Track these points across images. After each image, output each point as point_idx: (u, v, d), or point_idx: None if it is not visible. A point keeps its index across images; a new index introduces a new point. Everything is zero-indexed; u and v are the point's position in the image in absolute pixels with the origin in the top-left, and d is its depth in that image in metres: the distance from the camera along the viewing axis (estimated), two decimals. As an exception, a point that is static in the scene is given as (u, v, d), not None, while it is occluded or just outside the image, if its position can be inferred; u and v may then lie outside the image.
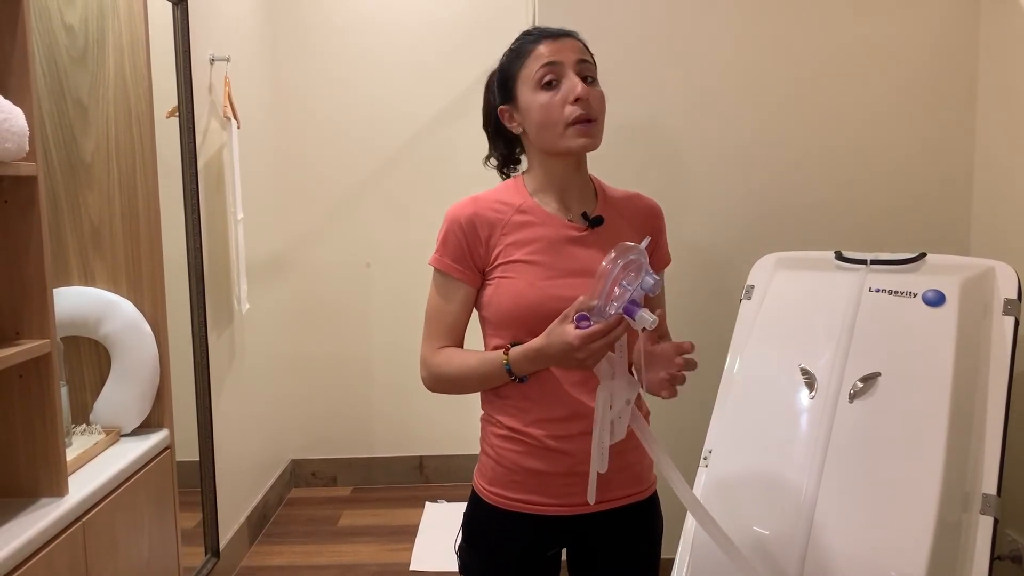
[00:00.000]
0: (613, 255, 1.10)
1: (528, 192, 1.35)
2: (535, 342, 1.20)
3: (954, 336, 1.73)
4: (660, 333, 1.43)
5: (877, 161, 2.42)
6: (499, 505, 1.33)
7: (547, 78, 1.27)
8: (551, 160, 1.33)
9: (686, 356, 1.17)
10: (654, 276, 1.11)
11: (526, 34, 1.33)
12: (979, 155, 2.41)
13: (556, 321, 1.16)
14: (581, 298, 1.13)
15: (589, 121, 1.26)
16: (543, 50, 1.28)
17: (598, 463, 1.22)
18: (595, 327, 1.11)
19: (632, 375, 1.22)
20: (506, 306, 1.28)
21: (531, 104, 1.29)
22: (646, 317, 1.09)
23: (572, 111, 1.26)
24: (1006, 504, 1.71)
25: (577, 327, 1.12)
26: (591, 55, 1.33)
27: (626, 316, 1.11)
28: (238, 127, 2.85)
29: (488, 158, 1.46)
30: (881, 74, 2.40)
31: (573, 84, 1.26)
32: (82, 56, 1.83)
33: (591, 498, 1.25)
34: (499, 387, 1.32)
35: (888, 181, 2.43)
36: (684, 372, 1.18)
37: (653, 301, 1.35)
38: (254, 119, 3.18)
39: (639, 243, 1.35)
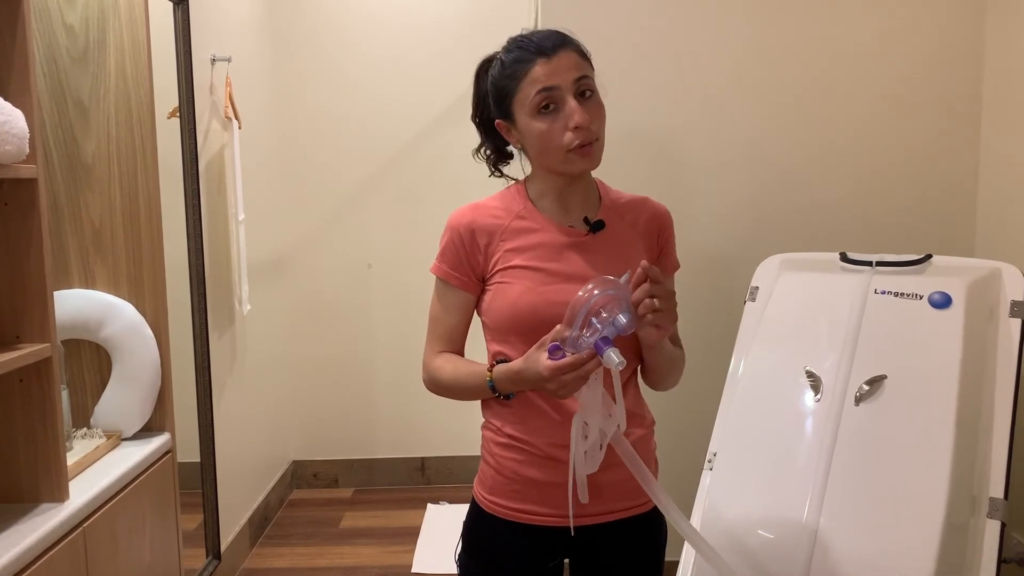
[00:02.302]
0: (590, 286, 1.08)
1: (529, 198, 1.33)
2: (515, 364, 1.19)
3: (961, 338, 1.72)
4: (670, 338, 1.42)
5: (882, 162, 2.41)
6: (499, 515, 1.32)
7: (544, 103, 1.23)
8: (553, 174, 1.30)
9: (648, 286, 1.09)
10: (628, 315, 1.08)
11: (519, 47, 1.25)
12: (984, 156, 2.40)
13: (534, 347, 1.14)
14: (557, 327, 1.11)
15: (590, 143, 1.23)
16: (539, 73, 1.22)
17: (580, 493, 1.21)
18: (565, 360, 1.09)
19: (612, 405, 1.17)
20: (504, 312, 1.27)
21: (529, 129, 1.25)
22: (613, 358, 1.05)
23: (572, 138, 1.22)
24: (1013, 508, 1.69)
25: (550, 357, 1.10)
26: (589, 62, 1.27)
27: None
28: (239, 128, 2.84)
29: (479, 149, 1.42)
30: (885, 75, 2.39)
31: (571, 110, 1.21)
32: (83, 57, 1.82)
33: (571, 526, 1.24)
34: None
35: (893, 182, 2.42)
36: (655, 300, 1.09)
37: None
38: (255, 120, 3.16)
39: (640, 250, 1.33)
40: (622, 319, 1.07)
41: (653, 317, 1.11)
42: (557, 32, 1.26)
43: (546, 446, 1.28)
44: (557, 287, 1.25)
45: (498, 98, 1.30)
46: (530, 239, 1.29)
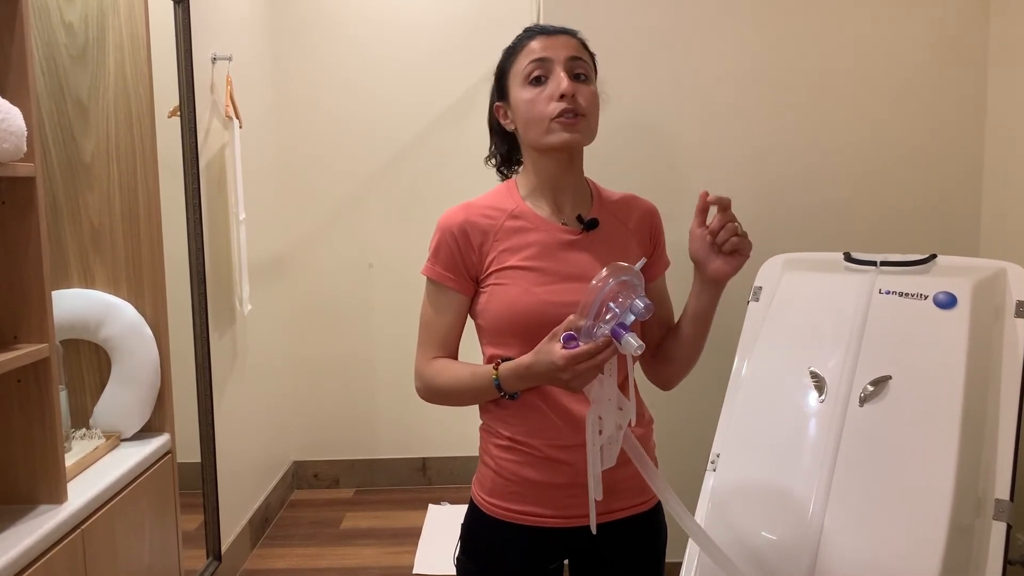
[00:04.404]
0: (604, 273, 1.06)
1: (521, 196, 1.32)
2: (524, 359, 1.17)
3: (966, 339, 1.71)
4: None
5: (886, 161, 2.40)
6: (498, 516, 1.31)
7: (535, 74, 1.25)
8: (543, 159, 1.30)
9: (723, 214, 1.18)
10: (645, 300, 1.06)
11: (525, 30, 1.31)
12: (988, 155, 2.38)
13: (546, 339, 1.13)
14: (571, 317, 1.10)
15: (575, 116, 1.23)
16: (534, 46, 1.26)
17: (593, 490, 1.18)
18: (581, 348, 1.07)
19: (625, 399, 1.16)
20: (501, 313, 1.25)
21: (517, 100, 1.27)
22: (632, 342, 1.04)
23: (557, 107, 1.23)
24: (1019, 509, 1.68)
25: (564, 347, 1.09)
26: (589, 54, 1.30)
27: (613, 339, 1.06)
28: (240, 127, 2.83)
29: (489, 157, 1.44)
30: (889, 74, 2.38)
31: (559, 80, 1.23)
32: (82, 55, 1.81)
33: (593, 527, 1.21)
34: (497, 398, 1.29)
35: (897, 182, 2.40)
36: (731, 229, 1.19)
37: (658, 307, 1.32)
38: (256, 119, 3.16)
39: (635, 248, 1.32)
40: (639, 304, 1.06)
41: (737, 241, 1.15)
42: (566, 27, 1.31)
43: (546, 447, 1.27)
44: (554, 287, 1.24)
45: (499, 78, 1.33)
46: (525, 239, 1.28)
